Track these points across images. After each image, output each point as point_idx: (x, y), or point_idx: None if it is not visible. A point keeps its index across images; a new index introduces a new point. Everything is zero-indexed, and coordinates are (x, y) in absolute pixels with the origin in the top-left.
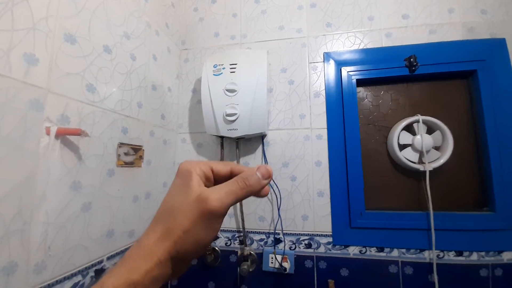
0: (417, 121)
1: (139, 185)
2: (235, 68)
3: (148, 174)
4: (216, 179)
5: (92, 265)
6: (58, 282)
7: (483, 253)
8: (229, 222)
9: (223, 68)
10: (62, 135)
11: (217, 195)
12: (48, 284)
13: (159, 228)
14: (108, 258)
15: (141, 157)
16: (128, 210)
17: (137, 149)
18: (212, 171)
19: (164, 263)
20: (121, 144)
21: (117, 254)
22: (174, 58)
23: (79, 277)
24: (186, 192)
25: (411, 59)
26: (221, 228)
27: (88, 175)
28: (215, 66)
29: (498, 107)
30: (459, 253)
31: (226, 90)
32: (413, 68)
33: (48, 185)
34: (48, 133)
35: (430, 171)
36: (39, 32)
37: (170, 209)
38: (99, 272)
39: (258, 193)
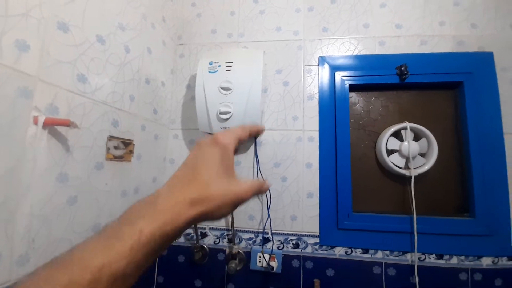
0: (405, 128)
1: (128, 180)
2: (231, 66)
3: (138, 169)
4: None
5: None
6: None
7: (462, 257)
8: (218, 221)
9: (219, 66)
10: (50, 125)
11: (246, 188)
12: None
13: (192, 191)
14: None
15: (131, 151)
16: (116, 205)
17: (127, 143)
18: (239, 141)
19: (192, 221)
20: (111, 137)
21: None
22: (169, 52)
23: None
24: (228, 171)
25: (402, 68)
26: (210, 226)
27: (76, 167)
28: (210, 63)
29: (482, 118)
30: (440, 257)
31: (221, 88)
32: (404, 77)
33: (34, 175)
34: (35, 123)
35: (415, 177)
36: (31, 19)
37: (205, 177)
38: None
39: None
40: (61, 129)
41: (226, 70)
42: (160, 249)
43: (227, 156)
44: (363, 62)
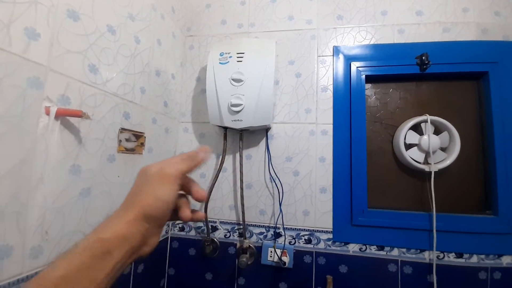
0: (425, 121)
1: None
2: (242, 57)
3: (149, 162)
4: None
5: None
6: None
7: (483, 256)
8: (229, 214)
9: (230, 57)
10: (62, 116)
11: (169, 163)
12: None
13: (126, 204)
14: None
15: (142, 144)
16: None
17: (138, 136)
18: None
19: (132, 222)
20: (122, 130)
21: None
22: (178, 44)
23: None
24: (145, 175)
25: (423, 57)
26: (220, 220)
27: (88, 159)
28: (221, 54)
29: (508, 111)
30: (459, 255)
31: (232, 79)
32: (425, 67)
33: (46, 167)
34: (47, 113)
35: (435, 172)
36: (41, 6)
37: (134, 192)
38: None
39: (196, 165)
40: (73, 120)
41: (238, 61)
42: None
43: (164, 182)
44: (381, 52)
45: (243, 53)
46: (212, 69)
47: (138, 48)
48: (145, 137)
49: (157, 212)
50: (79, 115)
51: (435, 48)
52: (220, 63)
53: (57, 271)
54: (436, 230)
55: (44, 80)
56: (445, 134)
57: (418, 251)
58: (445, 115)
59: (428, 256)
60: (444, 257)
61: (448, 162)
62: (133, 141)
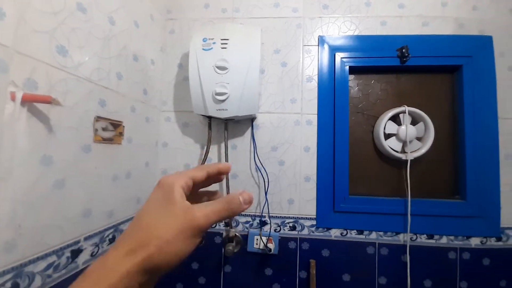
0: (403, 112)
1: (119, 164)
2: (226, 43)
3: (129, 153)
4: (194, 185)
5: (68, 246)
6: (31, 262)
7: (452, 237)
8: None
9: (214, 43)
10: (29, 102)
11: (204, 212)
12: (21, 264)
13: (130, 241)
14: (86, 239)
15: (121, 134)
16: (107, 189)
17: (116, 125)
18: (193, 180)
19: (132, 276)
20: (98, 118)
21: (95, 234)
22: (157, 28)
23: (54, 257)
24: (169, 206)
25: (403, 50)
26: None
27: (61, 149)
28: (204, 40)
29: (478, 103)
30: (431, 237)
31: (216, 67)
32: (404, 59)
33: (14, 158)
34: (13, 99)
35: (411, 160)
36: None
37: (145, 223)
38: (76, 253)
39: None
40: (42, 107)
41: (222, 48)
42: None
43: (170, 193)
44: (364, 43)
45: (227, 39)
46: (195, 55)
47: (113, 30)
48: (123, 126)
49: (168, 267)
50: (48, 101)
51: (415, 41)
52: (203, 49)
53: None
54: (411, 214)
55: (9, 63)
56: (421, 124)
57: (394, 233)
58: (422, 107)
59: (403, 238)
60: (416, 238)
61: (423, 150)
62: (111, 130)
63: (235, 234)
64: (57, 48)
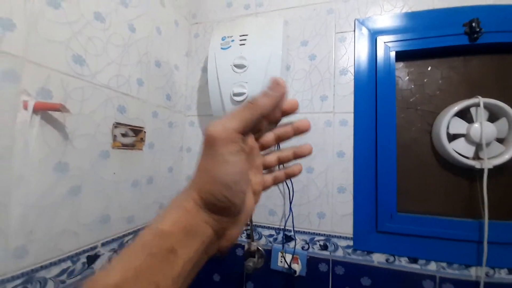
0: (477, 105)
1: (140, 169)
2: (245, 40)
3: (150, 158)
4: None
5: (84, 251)
6: (43, 267)
7: None
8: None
9: (232, 41)
10: (42, 110)
11: (219, 121)
12: (32, 269)
13: (190, 181)
14: (103, 244)
15: (142, 139)
16: (126, 195)
17: (137, 131)
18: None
19: (192, 212)
20: (117, 124)
21: (113, 240)
22: (182, 33)
23: (68, 263)
24: (205, 138)
25: (473, 24)
26: None
27: (77, 156)
28: (223, 39)
29: None
30: None
31: (234, 65)
32: (475, 36)
33: (26, 165)
34: (25, 108)
35: (489, 169)
36: None
37: (198, 164)
38: (92, 259)
39: (272, 112)
40: (57, 115)
41: (240, 45)
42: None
43: (211, 142)
44: (416, 21)
45: (246, 35)
46: (214, 55)
47: (133, 36)
48: (145, 132)
49: (216, 197)
50: (57, 108)
51: (487, 12)
52: (221, 48)
53: (111, 277)
54: (488, 242)
55: (20, 72)
56: (503, 121)
57: (463, 266)
58: (503, 97)
59: (475, 272)
60: (494, 274)
61: (507, 156)
62: (132, 136)
63: (257, 248)
64: (73, 57)
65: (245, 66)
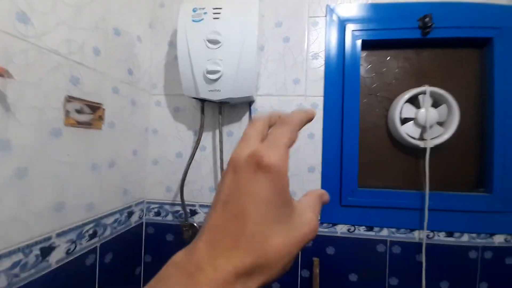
0: (423, 93)
1: (100, 151)
2: (219, 13)
3: (111, 139)
4: None
5: (36, 243)
6: None
7: (474, 235)
8: (209, 197)
9: (205, 13)
10: None
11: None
12: None
13: (240, 255)
14: (59, 235)
15: (101, 117)
16: (84, 180)
17: (95, 107)
18: None
19: (227, 284)
20: (70, 98)
21: (71, 230)
22: (145, 0)
23: (20, 255)
24: (285, 209)
25: (426, 19)
26: (200, 203)
27: (22, 132)
28: (194, 10)
29: (510, 82)
30: (450, 234)
31: (208, 40)
32: (427, 30)
33: None
34: None
35: (430, 148)
36: None
37: (253, 225)
38: (47, 251)
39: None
40: None
41: (214, 18)
42: None
43: (281, 186)
44: (380, 13)
45: (220, 8)
46: (184, 28)
47: None
48: (103, 109)
49: (278, 271)
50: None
51: (439, 9)
52: (193, 20)
53: None
54: (428, 209)
55: None
56: (443, 107)
57: (408, 230)
58: (445, 87)
59: (418, 235)
60: (434, 236)
61: (445, 137)
62: (88, 113)
63: None
64: (16, 14)
65: (220, 42)
